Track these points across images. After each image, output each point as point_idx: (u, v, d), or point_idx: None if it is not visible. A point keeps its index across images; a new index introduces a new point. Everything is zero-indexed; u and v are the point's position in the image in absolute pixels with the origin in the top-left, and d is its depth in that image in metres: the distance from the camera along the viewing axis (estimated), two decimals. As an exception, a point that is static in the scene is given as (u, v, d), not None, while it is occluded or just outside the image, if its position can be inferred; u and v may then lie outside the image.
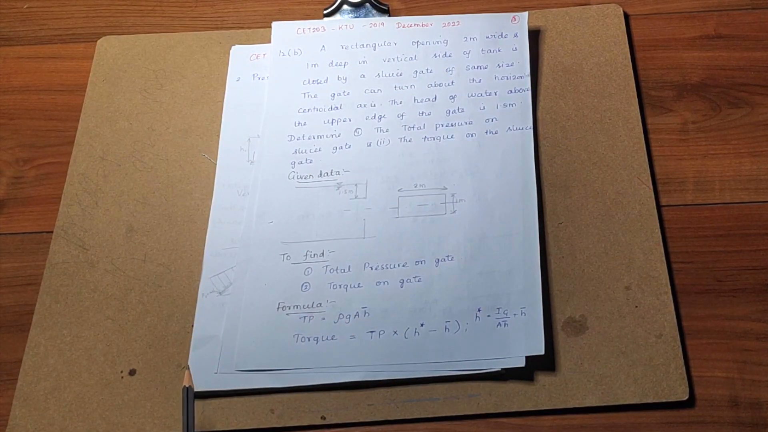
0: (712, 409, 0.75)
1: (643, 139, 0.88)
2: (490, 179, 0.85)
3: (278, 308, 0.79)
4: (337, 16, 0.97)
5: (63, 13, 1.00)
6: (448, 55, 0.93)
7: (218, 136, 0.89)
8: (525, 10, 0.95)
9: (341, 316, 0.79)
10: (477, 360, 0.76)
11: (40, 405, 0.76)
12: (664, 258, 0.81)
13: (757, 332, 0.79)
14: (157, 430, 0.75)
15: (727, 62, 0.94)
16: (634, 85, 0.91)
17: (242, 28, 0.98)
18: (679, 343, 0.77)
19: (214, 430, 0.75)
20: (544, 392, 0.75)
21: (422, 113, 0.90)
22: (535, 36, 0.95)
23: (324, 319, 0.78)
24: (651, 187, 0.85)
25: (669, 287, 0.80)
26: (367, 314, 0.78)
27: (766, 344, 0.78)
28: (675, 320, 0.78)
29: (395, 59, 0.93)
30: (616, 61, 0.93)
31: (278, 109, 0.90)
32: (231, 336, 0.78)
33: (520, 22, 0.94)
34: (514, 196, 0.84)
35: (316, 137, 0.88)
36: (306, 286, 0.80)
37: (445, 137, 0.88)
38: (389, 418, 0.75)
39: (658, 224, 0.83)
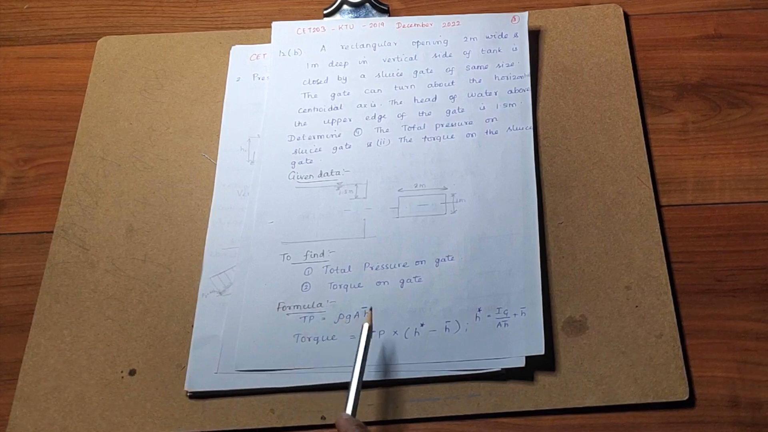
0: (712, 409, 0.75)
1: (643, 139, 0.88)
2: (490, 179, 0.85)
3: (278, 308, 0.79)
4: (337, 16, 0.97)
5: (63, 14, 1.00)
6: (448, 55, 0.93)
7: (218, 136, 0.89)
8: (525, 10, 0.95)
9: (341, 316, 0.79)
10: (477, 360, 0.76)
11: (40, 405, 0.76)
12: (664, 258, 0.81)
13: (757, 332, 0.79)
14: (157, 430, 0.75)
15: (727, 62, 0.94)
16: (634, 85, 0.91)
17: (242, 28, 0.98)
18: (679, 343, 0.77)
19: (214, 430, 0.75)
20: (544, 392, 0.75)
21: (422, 113, 0.90)
22: (535, 36, 0.95)
23: (324, 319, 0.78)
24: (651, 187, 0.85)
25: (669, 287, 0.80)
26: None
27: (766, 344, 0.78)
28: (675, 320, 0.78)
29: (395, 59, 0.93)
30: (616, 61, 0.93)
31: (278, 109, 0.90)
32: (231, 336, 0.78)
33: (520, 22, 0.94)
34: (514, 196, 0.84)
35: (316, 137, 0.88)
36: (306, 286, 0.80)
37: (445, 137, 0.88)
38: (389, 418, 0.75)
39: (658, 224, 0.83)
